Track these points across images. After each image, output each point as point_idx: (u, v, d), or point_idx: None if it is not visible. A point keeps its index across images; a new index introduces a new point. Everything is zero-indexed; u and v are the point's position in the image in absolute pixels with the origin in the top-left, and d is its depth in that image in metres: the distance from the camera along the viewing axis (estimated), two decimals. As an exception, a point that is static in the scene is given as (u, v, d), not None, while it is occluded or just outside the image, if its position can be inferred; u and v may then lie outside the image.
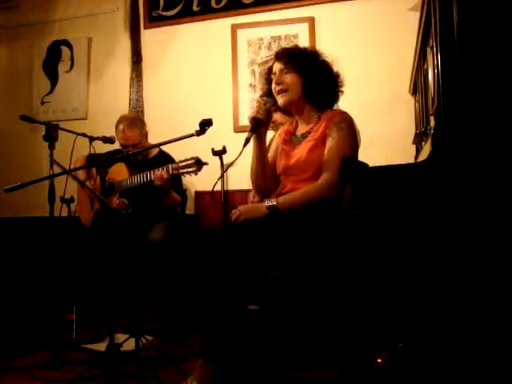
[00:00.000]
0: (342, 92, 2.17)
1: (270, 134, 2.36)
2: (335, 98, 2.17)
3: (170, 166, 2.69)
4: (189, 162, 2.59)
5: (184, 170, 2.61)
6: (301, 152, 2.07)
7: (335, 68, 2.15)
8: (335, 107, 2.19)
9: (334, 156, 1.95)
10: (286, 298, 1.94)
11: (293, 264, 1.87)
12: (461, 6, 1.55)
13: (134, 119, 3.18)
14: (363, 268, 1.69)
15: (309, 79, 2.07)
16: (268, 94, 2.16)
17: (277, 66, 2.12)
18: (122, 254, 2.69)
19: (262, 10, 3.61)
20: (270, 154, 2.26)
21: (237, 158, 1.98)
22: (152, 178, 2.76)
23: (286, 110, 2.21)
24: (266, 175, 2.18)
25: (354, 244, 1.75)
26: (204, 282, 1.84)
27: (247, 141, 2.02)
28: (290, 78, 2.08)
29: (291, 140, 2.18)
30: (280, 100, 2.10)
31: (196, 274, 1.89)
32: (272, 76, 2.14)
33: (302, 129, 2.17)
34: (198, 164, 2.57)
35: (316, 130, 2.07)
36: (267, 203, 1.97)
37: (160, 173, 2.72)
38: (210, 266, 1.82)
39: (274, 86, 2.11)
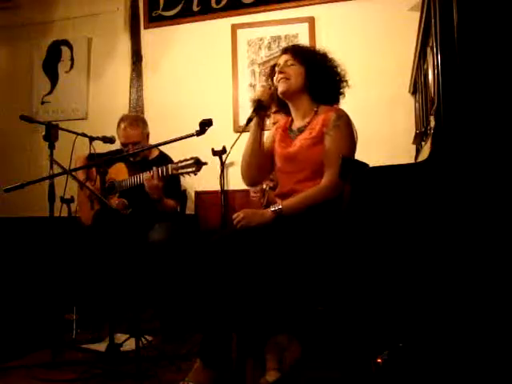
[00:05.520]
0: (343, 94, 2.18)
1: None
2: (336, 97, 2.18)
3: (170, 165, 2.68)
4: (188, 162, 2.59)
5: (183, 170, 2.61)
6: (297, 148, 2.06)
7: (342, 71, 2.17)
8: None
9: (334, 156, 1.95)
10: (286, 299, 1.93)
11: (296, 267, 1.86)
12: (461, 5, 1.55)
13: (136, 118, 3.20)
14: (363, 268, 1.69)
15: (312, 73, 2.09)
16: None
17: (282, 58, 2.16)
18: (122, 254, 2.69)
19: (262, 9, 3.61)
20: (265, 144, 2.24)
21: (239, 138, 2.02)
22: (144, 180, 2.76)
23: (283, 105, 2.21)
24: (259, 164, 2.17)
25: (355, 244, 1.75)
26: (208, 287, 1.84)
27: (249, 120, 2.05)
28: (293, 69, 2.11)
29: (288, 135, 2.17)
30: (280, 87, 2.11)
31: (199, 280, 1.88)
32: (276, 69, 2.16)
33: (297, 123, 2.16)
34: (198, 164, 2.56)
35: (313, 127, 2.06)
36: (273, 208, 1.96)
37: (149, 175, 2.72)
38: (216, 272, 1.82)
39: (276, 76, 2.13)
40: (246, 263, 1.80)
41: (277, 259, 1.85)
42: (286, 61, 2.13)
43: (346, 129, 2.03)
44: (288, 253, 1.86)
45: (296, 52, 2.14)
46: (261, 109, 2.09)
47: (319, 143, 2.02)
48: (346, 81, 2.17)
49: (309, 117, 2.12)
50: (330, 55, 2.19)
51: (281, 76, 2.11)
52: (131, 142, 3.05)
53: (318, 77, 2.09)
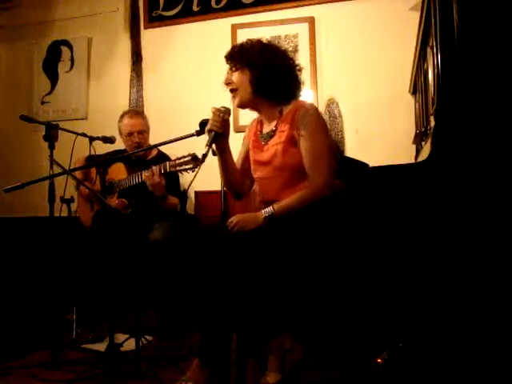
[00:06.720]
0: (301, 82, 2.05)
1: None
2: (293, 89, 2.04)
3: (168, 163, 2.68)
4: (186, 159, 2.59)
5: (181, 168, 2.61)
6: (271, 154, 1.99)
7: (290, 57, 2.05)
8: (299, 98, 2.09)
9: (315, 155, 1.90)
10: (286, 299, 1.93)
11: (295, 267, 1.86)
12: (461, 6, 1.55)
13: (138, 110, 3.30)
14: (363, 268, 1.69)
15: (256, 74, 1.97)
16: None
17: (227, 68, 2.07)
18: (122, 254, 2.69)
19: (261, 9, 3.61)
20: (241, 152, 2.20)
21: (195, 176, 1.99)
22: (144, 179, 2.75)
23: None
24: (237, 181, 2.15)
25: (354, 244, 1.75)
26: (207, 287, 1.84)
27: (204, 156, 1.92)
28: (236, 76, 2.02)
29: (259, 140, 2.10)
30: (234, 102, 2.04)
31: (199, 280, 1.88)
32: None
33: (266, 127, 2.09)
34: (195, 160, 2.56)
35: (282, 130, 1.98)
36: (264, 213, 1.91)
37: (149, 173, 2.72)
38: (215, 273, 1.81)
39: (225, 88, 2.05)
40: (245, 264, 1.79)
41: (275, 260, 1.85)
42: (230, 68, 2.05)
43: (316, 124, 1.94)
44: (286, 253, 1.85)
45: (233, 56, 2.04)
46: (217, 137, 1.97)
47: (291, 147, 1.94)
48: (298, 66, 2.05)
49: (275, 119, 2.03)
50: (273, 45, 2.07)
51: (228, 88, 2.04)
52: (137, 131, 3.07)
53: (265, 76, 1.96)
